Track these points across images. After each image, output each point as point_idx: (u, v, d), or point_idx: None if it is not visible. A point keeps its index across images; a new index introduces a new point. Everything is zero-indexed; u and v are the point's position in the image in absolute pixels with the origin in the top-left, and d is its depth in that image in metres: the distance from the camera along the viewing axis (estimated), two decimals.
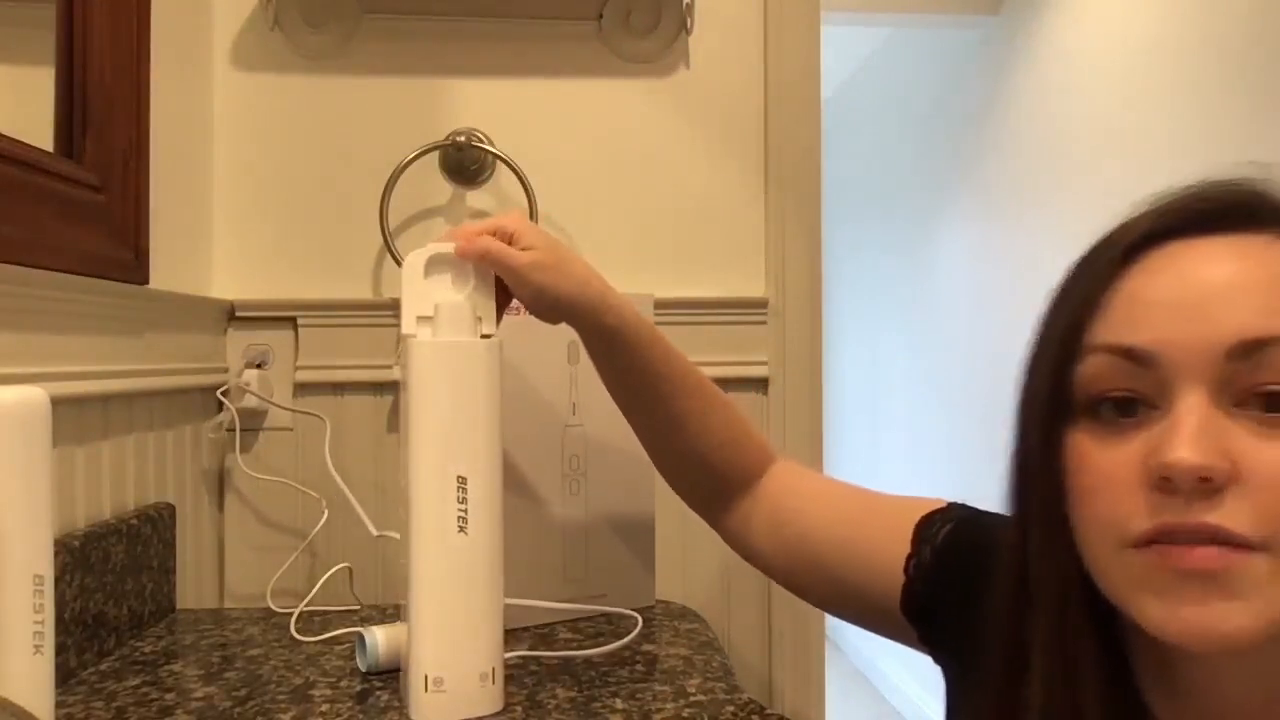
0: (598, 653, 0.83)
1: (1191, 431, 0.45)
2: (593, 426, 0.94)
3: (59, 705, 0.68)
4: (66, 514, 0.80)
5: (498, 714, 0.70)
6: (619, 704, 0.71)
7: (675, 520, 1.15)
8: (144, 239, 0.91)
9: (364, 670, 0.78)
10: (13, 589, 0.54)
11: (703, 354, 1.17)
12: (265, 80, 1.15)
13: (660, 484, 0.85)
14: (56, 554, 0.68)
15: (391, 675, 0.78)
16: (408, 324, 0.71)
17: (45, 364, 0.76)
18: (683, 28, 1.17)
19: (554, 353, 0.93)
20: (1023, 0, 2.94)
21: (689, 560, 1.16)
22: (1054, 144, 2.76)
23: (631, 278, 1.18)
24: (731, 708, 0.70)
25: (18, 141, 0.74)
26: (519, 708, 0.71)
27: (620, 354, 0.75)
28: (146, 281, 0.91)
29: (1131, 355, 0.48)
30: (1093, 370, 0.50)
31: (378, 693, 0.74)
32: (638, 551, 0.98)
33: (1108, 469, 0.48)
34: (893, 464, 3.97)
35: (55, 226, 0.78)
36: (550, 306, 0.73)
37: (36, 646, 0.55)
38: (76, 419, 0.81)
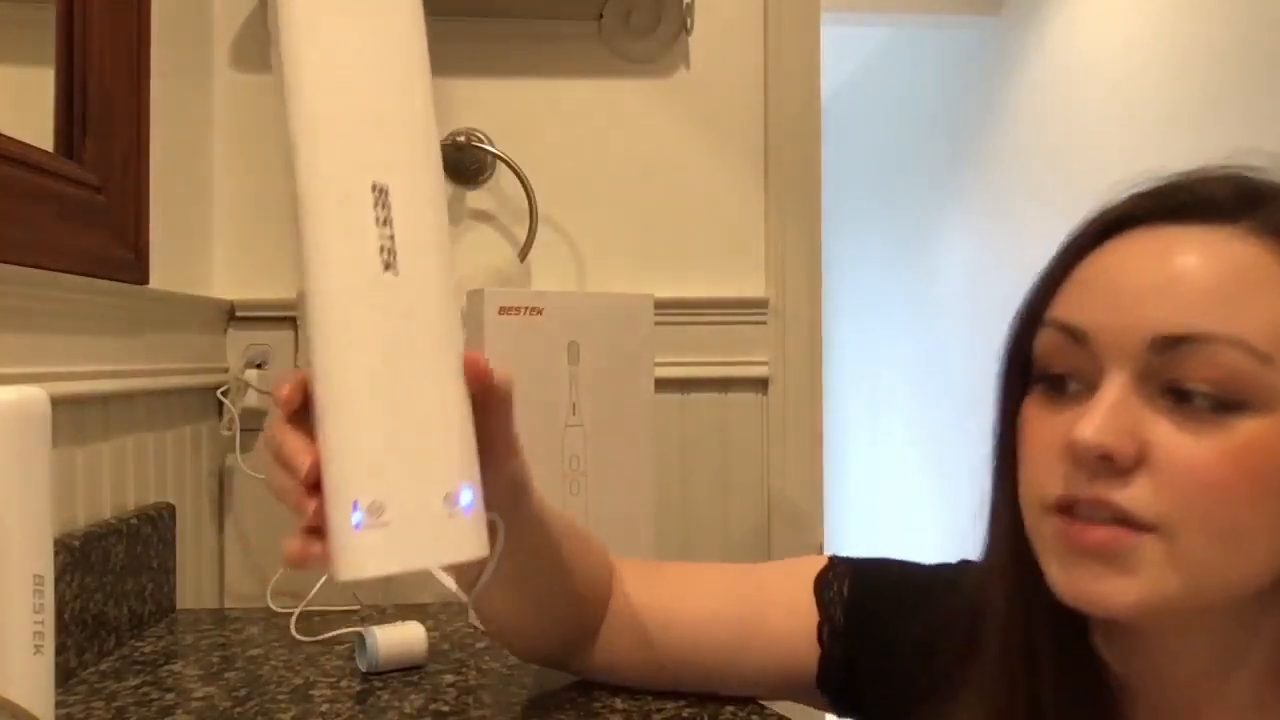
0: None
1: (1102, 412, 0.47)
2: (593, 426, 0.94)
3: (59, 705, 0.68)
4: (66, 514, 0.80)
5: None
6: (619, 704, 0.71)
7: (675, 520, 1.15)
8: (144, 239, 0.91)
9: (364, 670, 0.78)
10: (13, 589, 0.54)
11: (703, 354, 1.17)
12: (265, 80, 1.15)
13: (660, 484, 0.84)
14: (56, 554, 0.68)
15: (392, 675, 0.78)
16: None
17: (45, 364, 0.76)
18: (683, 28, 1.17)
19: (554, 353, 0.93)
20: (1023, 0, 2.94)
21: (689, 559, 1.16)
22: (1054, 144, 2.76)
23: (631, 278, 1.18)
24: (731, 707, 0.70)
25: (18, 141, 0.74)
26: (518, 707, 0.71)
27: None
28: (146, 281, 0.91)
29: (1070, 332, 0.50)
30: (1044, 343, 0.52)
31: (378, 693, 0.74)
32: (638, 551, 0.98)
33: (1041, 437, 0.51)
34: (893, 464, 3.97)
35: (55, 226, 0.78)
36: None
37: (36, 646, 0.55)
38: (76, 419, 0.81)
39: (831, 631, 0.65)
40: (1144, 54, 2.36)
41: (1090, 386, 0.50)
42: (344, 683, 0.77)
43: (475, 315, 0.88)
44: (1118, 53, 2.47)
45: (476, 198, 1.17)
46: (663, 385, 1.06)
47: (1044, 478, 0.50)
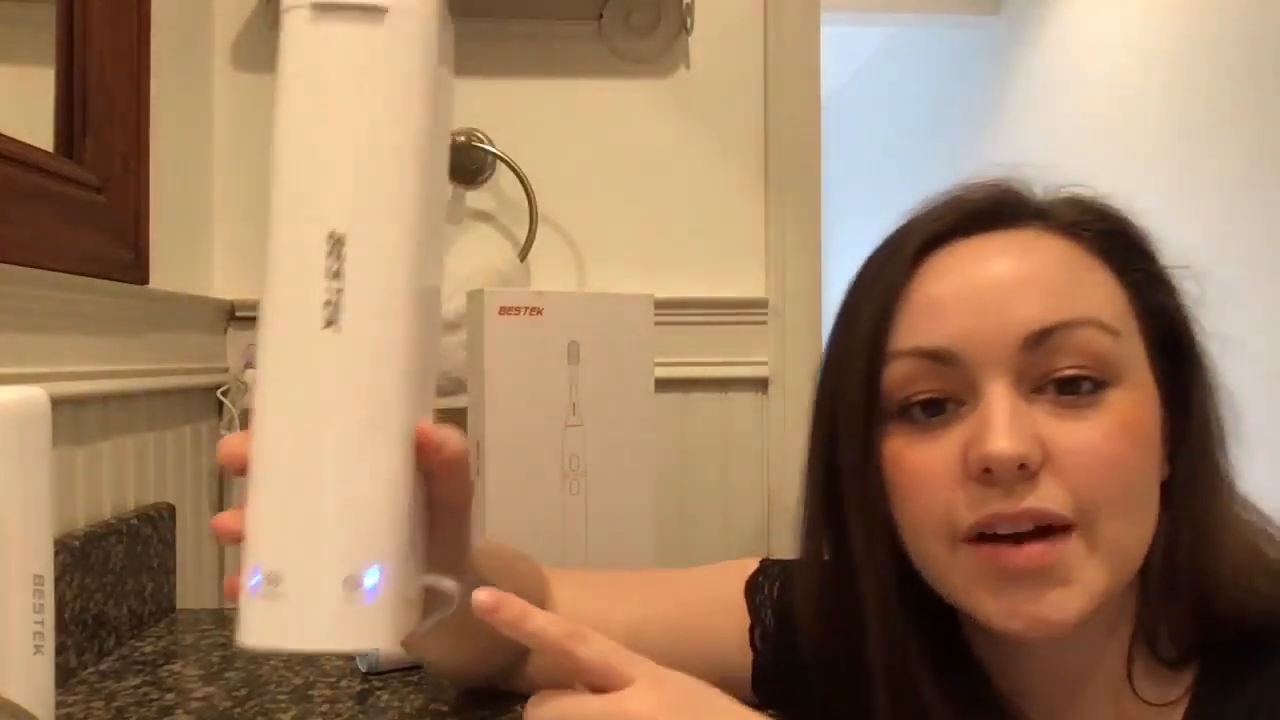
0: None
1: (1005, 422, 0.47)
2: (593, 426, 0.94)
3: (59, 705, 0.68)
4: (66, 514, 0.80)
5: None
6: None
7: (675, 520, 1.15)
8: (144, 239, 0.91)
9: (364, 670, 0.78)
10: (13, 589, 0.54)
11: (703, 354, 1.17)
12: (265, 80, 1.14)
13: (660, 484, 0.84)
14: (56, 554, 0.68)
15: (392, 675, 0.78)
16: None
17: (45, 364, 0.76)
18: (683, 28, 1.17)
19: (554, 353, 0.93)
20: (1023, 0, 2.94)
21: (689, 559, 1.15)
22: (1054, 143, 2.76)
23: (631, 278, 1.18)
24: None
25: (18, 141, 0.74)
26: (519, 708, 0.70)
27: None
28: (146, 281, 0.91)
29: (934, 356, 0.50)
30: (899, 375, 0.51)
31: (378, 693, 0.74)
32: (638, 551, 0.98)
33: (926, 466, 0.50)
34: None
35: (55, 226, 0.78)
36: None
37: (36, 646, 0.55)
38: (76, 419, 0.81)
39: (763, 634, 0.65)
40: (1144, 54, 2.36)
41: (963, 405, 0.50)
42: (344, 683, 0.77)
43: (475, 315, 0.88)
44: (1118, 53, 2.47)
45: (476, 198, 1.17)
46: (663, 385, 1.06)
47: (945, 509, 0.49)
